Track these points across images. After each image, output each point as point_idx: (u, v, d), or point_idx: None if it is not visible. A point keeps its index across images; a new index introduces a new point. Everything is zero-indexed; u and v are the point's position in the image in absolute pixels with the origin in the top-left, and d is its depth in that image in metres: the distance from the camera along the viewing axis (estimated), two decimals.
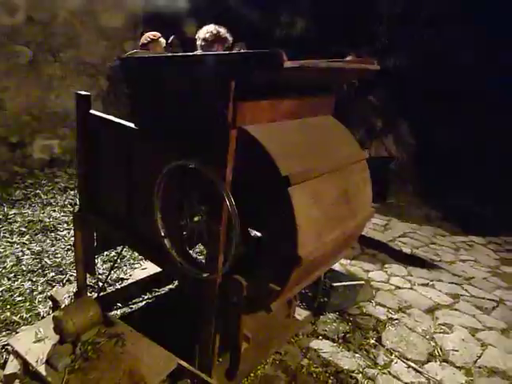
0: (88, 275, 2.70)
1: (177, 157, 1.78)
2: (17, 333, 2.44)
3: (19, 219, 3.89)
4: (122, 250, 2.72)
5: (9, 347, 2.32)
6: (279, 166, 1.58)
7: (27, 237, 3.61)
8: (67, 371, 2.09)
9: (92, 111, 2.31)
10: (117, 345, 2.27)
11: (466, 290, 3.64)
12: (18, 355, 2.23)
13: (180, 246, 1.94)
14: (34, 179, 4.74)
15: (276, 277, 1.70)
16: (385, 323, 2.92)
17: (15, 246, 3.48)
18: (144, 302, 2.89)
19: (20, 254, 3.34)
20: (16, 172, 4.75)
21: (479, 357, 2.69)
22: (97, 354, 2.21)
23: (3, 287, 2.90)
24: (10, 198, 4.28)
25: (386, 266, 3.89)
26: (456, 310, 3.26)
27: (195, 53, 3.67)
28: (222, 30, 3.63)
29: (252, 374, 2.31)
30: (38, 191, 4.50)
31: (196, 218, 1.82)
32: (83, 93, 2.35)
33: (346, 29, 5.36)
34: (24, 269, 3.14)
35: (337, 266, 3.66)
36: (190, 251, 2.18)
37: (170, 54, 1.85)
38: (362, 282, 3.02)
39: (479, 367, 2.59)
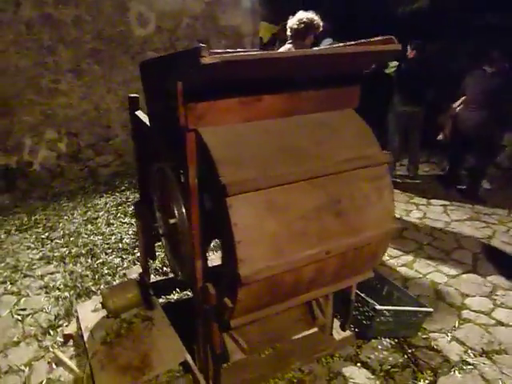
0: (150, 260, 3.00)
1: (162, 157, 1.81)
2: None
3: None
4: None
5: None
6: (221, 172, 1.43)
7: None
8: (101, 342, 2.40)
9: (137, 112, 2.52)
10: (146, 328, 2.48)
11: None
12: (78, 319, 2.67)
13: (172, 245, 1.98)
14: None
15: (229, 293, 1.56)
16: (452, 366, 2.33)
17: (124, 225, 4.11)
18: None
19: (124, 233, 3.93)
20: None
21: None
22: (127, 333, 2.46)
23: (100, 260, 3.48)
24: None
25: (500, 292, 3.06)
26: None
27: (287, 44, 3.58)
28: (315, 18, 3.43)
29: None
30: None
31: (172, 221, 1.81)
32: (132, 95, 2.58)
33: None
34: (120, 246, 3.69)
35: (423, 286, 3.10)
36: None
37: (157, 56, 1.86)
38: (430, 310, 2.46)
39: None
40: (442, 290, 3.06)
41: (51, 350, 2.48)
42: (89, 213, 4.43)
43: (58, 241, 3.83)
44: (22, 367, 2.37)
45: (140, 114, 2.47)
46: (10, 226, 4.15)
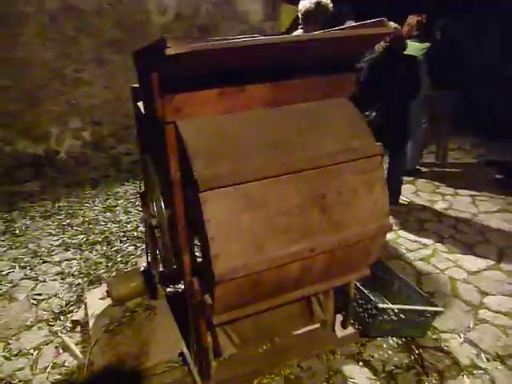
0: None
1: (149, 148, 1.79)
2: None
3: None
4: None
5: None
6: (195, 166, 1.38)
7: None
8: (103, 330, 2.45)
9: (139, 103, 2.51)
10: (148, 317, 2.50)
11: None
12: (85, 306, 2.75)
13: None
14: None
15: (209, 289, 1.52)
16: (462, 369, 2.19)
17: (141, 214, 4.16)
18: None
19: (140, 221, 3.98)
20: None
21: None
22: (130, 321, 2.49)
23: (115, 248, 3.56)
24: None
25: None
26: None
27: (299, 28, 3.44)
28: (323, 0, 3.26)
29: (255, 381, 2.15)
30: None
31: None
32: (134, 85, 2.57)
33: None
34: (135, 234, 3.76)
35: (440, 282, 2.94)
36: None
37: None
38: (439, 309, 2.32)
39: None
40: (460, 287, 2.89)
41: (60, 335, 2.57)
42: (109, 201, 4.54)
43: (77, 228, 3.95)
44: (31, 351, 2.47)
45: (141, 104, 2.46)
46: (35, 213, 4.33)
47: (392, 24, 3.46)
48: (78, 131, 5.21)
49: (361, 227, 1.59)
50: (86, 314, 2.65)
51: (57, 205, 4.49)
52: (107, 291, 2.61)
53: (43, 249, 3.61)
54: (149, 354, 2.24)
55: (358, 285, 2.34)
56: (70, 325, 2.66)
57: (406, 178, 4.72)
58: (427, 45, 4.46)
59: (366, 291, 2.30)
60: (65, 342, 2.48)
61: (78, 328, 2.63)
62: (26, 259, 3.45)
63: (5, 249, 3.65)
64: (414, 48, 4.29)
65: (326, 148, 1.55)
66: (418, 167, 4.91)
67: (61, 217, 4.22)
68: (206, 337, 1.78)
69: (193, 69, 1.39)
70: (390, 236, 3.58)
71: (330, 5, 3.27)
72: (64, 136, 5.15)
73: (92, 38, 4.82)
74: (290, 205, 1.46)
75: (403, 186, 4.44)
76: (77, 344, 2.50)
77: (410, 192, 4.48)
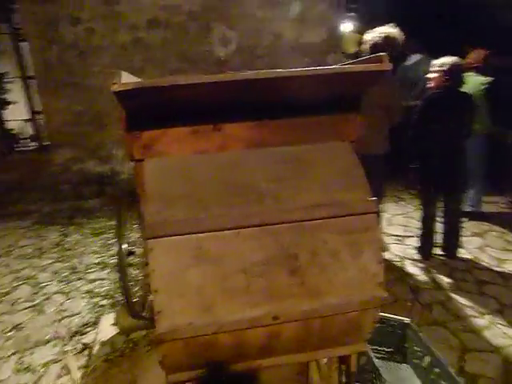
0: None
1: None
2: None
3: None
4: None
5: None
6: (147, 210, 1.28)
7: None
8: (103, 358, 2.42)
9: None
10: (147, 352, 2.43)
11: None
12: (98, 330, 2.76)
13: None
14: None
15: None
16: None
17: None
18: None
19: None
20: None
21: None
22: (130, 354, 2.44)
23: (131, 276, 3.59)
24: None
25: None
26: None
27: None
28: (393, 32, 3.03)
29: None
30: None
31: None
32: None
33: None
34: None
35: (489, 363, 2.43)
36: None
37: None
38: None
39: None
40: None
41: (68, 356, 2.60)
42: None
43: None
44: (39, 367, 2.52)
45: None
46: (88, 229, 4.59)
47: (454, 58, 3.12)
48: None
49: (343, 298, 1.33)
50: (95, 339, 2.67)
51: (109, 223, 4.72)
52: (114, 319, 2.61)
53: (83, 265, 3.77)
54: None
55: (370, 353, 2.01)
56: (81, 347, 2.68)
57: (473, 230, 4.15)
58: (489, 79, 3.96)
59: (377, 365, 1.96)
60: (69, 364, 2.50)
61: (87, 351, 2.64)
62: (65, 274, 3.63)
63: (52, 261, 3.90)
64: (477, 83, 3.89)
65: (304, 200, 1.35)
66: (483, 212, 4.32)
67: (109, 235, 4.41)
68: None
69: (160, 105, 1.32)
70: (438, 296, 3.11)
71: (400, 38, 3.02)
72: (126, 158, 5.47)
73: (157, 69, 5.11)
74: (251, 262, 1.28)
75: (468, 238, 3.90)
76: (79, 368, 2.50)
77: (475, 246, 3.89)
